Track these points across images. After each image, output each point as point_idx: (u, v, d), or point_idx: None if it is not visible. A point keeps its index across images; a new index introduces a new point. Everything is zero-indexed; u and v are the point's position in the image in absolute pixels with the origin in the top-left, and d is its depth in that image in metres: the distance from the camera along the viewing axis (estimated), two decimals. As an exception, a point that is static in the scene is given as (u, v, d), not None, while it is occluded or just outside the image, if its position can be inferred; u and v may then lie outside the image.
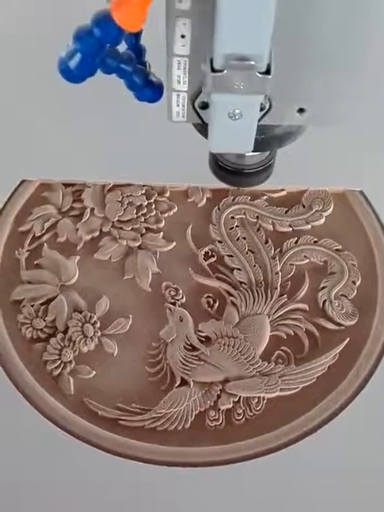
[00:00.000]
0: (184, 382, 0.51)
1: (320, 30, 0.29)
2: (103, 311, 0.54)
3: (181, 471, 0.47)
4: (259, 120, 0.33)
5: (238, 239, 0.58)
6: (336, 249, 0.57)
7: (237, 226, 0.59)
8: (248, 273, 0.56)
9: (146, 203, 0.60)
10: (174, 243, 0.58)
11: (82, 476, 0.48)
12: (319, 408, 0.49)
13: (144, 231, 0.59)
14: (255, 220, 0.59)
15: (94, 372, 0.52)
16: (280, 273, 0.56)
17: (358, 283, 0.56)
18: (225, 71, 0.28)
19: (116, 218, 0.59)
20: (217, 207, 0.60)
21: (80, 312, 0.54)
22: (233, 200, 0.60)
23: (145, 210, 0.60)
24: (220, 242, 0.58)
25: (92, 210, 0.59)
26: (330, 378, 0.51)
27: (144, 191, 0.60)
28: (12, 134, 0.62)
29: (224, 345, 0.52)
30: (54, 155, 0.62)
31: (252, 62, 0.27)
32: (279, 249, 0.57)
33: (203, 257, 0.57)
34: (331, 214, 0.59)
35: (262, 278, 0.56)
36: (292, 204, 0.60)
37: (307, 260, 0.57)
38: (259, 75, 0.28)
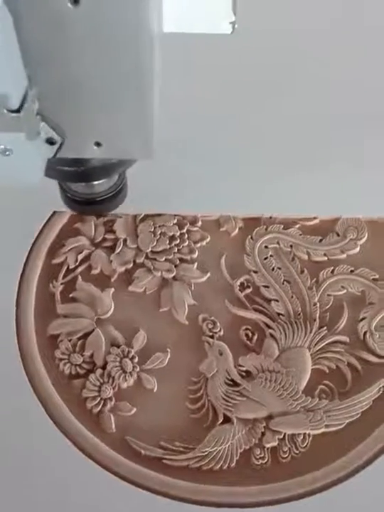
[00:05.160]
0: (227, 419, 0.50)
1: (86, 71, 0.29)
2: (141, 345, 0.54)
3: (229, 512, 0.46)
4: (55, 153, 0.33)
5: (273, 269, 0.58)
6: (373, 279, 0.57)
7: (271, 256, 0.58)
8: (285, 304, 0.55)
9: (178, 233, 0.59)
10: (209, 274, 0.57)
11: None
12: (366, 444, 0.49)
13: (177, 262, 0.58)
14: (289, 249, 0.59)
15: (134, 409, 0.51)
16: (318, 304, 0.55)
17: (397, 313, 0.55)
18: None
19: (150, 249, 0.58)
20: (250, 236, 0.59)
21: (118, 346, 0.53)
22: (266, 229, 0.60)
23: (178, 241, 0.59)
24: (255, 272, 0.57)
25: (125, 240, 0.59)
26: (375, 413, 0.50)
27: (175, 221, 0.60)
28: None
29: (266, 380, 0.51)
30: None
31: None
32: (315, 280, 0.57)
33: (238, 287, 0.56)
34: (366, 242, 0.59)
35: (299, 309, 0.55)
36: (326, 232, 0.59)
37: (345, 290, 0.56)
38: (9, 114, 0.28)
